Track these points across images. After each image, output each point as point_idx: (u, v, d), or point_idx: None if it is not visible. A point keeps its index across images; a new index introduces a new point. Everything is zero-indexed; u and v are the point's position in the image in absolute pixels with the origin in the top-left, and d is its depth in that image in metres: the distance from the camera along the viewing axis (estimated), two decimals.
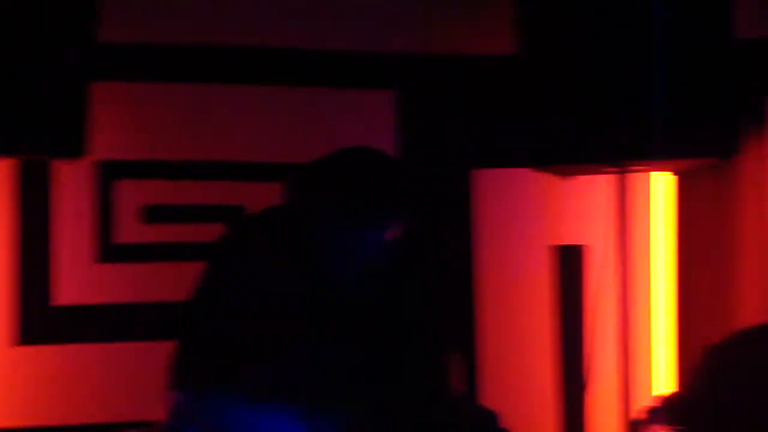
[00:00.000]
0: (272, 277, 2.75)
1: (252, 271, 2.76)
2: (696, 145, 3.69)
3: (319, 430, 2.52)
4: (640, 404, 3.69)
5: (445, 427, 2.50)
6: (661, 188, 4.48)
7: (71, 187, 4.14)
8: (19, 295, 4.10)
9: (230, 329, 2.71)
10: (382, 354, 2.75)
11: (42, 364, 4.11)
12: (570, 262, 4.24)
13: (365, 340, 2.77)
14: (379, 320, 2.78)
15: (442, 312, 2.95)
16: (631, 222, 3.91)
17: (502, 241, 4.45)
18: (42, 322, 4.12)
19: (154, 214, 4.24)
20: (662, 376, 4.46)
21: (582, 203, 4.46)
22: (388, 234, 2.66)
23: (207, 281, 2.81)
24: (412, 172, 2.92)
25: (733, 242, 4.12)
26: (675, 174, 4.42)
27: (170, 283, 4.20)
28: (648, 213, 4.48)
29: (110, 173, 4.18)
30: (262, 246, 2.79)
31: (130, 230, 4.21)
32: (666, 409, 3.52)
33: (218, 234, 4.15)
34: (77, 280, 4.16)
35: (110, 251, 4.20)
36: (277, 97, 4.34)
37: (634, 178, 3.94)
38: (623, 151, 3.73)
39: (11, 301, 4.08)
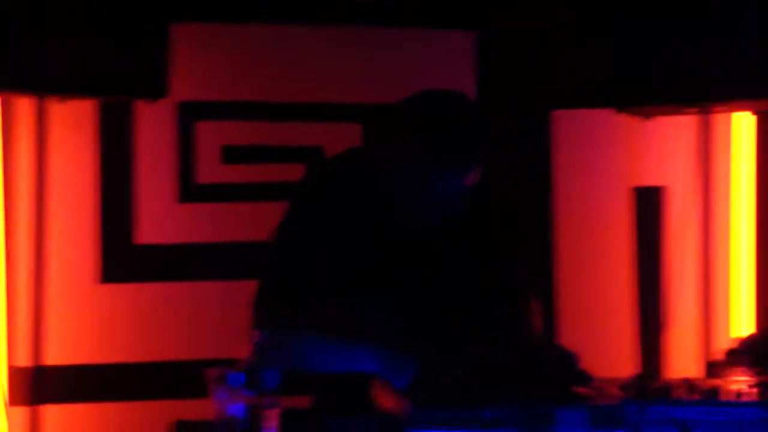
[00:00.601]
0: (351, 221, 2.76)
1: (332, 214, 2.78)
2: None
3: (397, 369, 2.54)
4: (719, 346, 3.68)
5: (526, 367, 2.51)
6: (743, 129, 4.43)
7: (153, 128, 4.20)
8: (103, 234, 4.17)
9: (310, 270, 2.74)
10: (462, 296, 2.76)
11: (124, 302, 4.19)
12: (650, 204, 4.21)
13: (444, 282, 2.78)
14: (457, 264, 2.79)
15: (522, 255, 2.94)
16: (712, 163, 3.87)
17: (582, 183, 4.43)
18: (125, 260, 4.20)
19: (234, 154, 4.28)
20: (742, 318, 4.43)
21: (663, 144, 4.41)
22: (469, 179, 2.65)
23: (289, 223, 2.83)
24: (492, 115, 2.89)
25: None
26: (756, 114, 4.36)
27: (250, 223, 4.26)
28: (729, 154, 4.43)
29: (191, 114, 4.22)
30: (343, 190, 2.80)
31: (210, 170, 4.26)
32: (745, 351, 3.50)
33: (299, 175, 4.25)
34: (159, 219, 4.23)
35: (191, 191, 4.25)
36: (357, 38, 4.35)
37: (716, 118, 3.89)
38: (705, 91, 3.69)
39: (95, 240, 4.16)
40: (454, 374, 2.39)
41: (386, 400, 2.47)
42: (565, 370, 2.45)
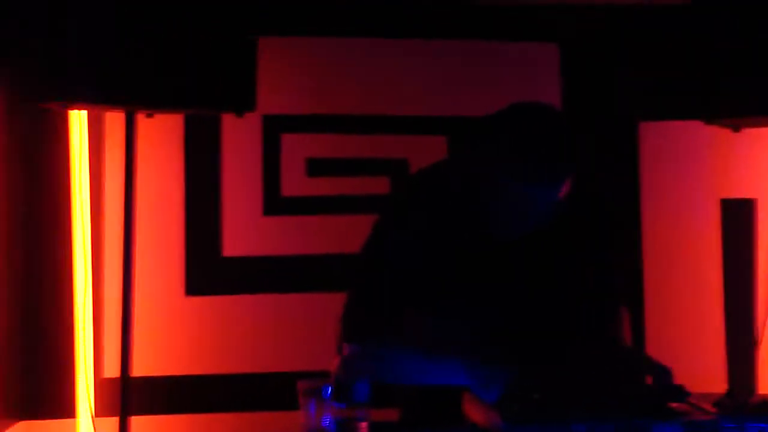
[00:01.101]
0: (440, 234, 2.75)
1: (421, 227, 2.77)
2: None
3: (487, 382, 2.52)
4: None
5: (620, 381, 2.48)
6: None
7: (238, 141, 4.23)
8: (190, 246, 4.21)
9: (397, 284, 2.73)
10: (554, 306, 2.74)
11: (211, 314, 4.22)
12: (741, 216, 4.13)
13: (535, 293, 2.76)
14: (548, 274, 2.77)
15: (613, 265, 2.91)
16: None
17: (670, 195, 4.38)
18: (211, 273, 4.23)
19: (318, 167, 4.30)
20: None
21: (753, 156, 4.36)
22: (561, 192, 2.63)
23: (377, 237, 2.83)
24: (580, 128, 2.87)
25: None
26: None
27: (334, 236, 4.27)
28: None
29: (276, 127, 4.25)
30: (431, 203, 2.80)
31: (295, 183, 4.28)
32: None
33: (384, 187, 4.26)
34: (245, 232, 4.25)
35: (276, 204, 4.27)
36: (442, 51, 4.34)
37: None
38: None
39: (182, 253, 4.20)
40: (546, 388, 2.37)
41: (476, 413, 2.46)
42: (660, 385, 2.42)
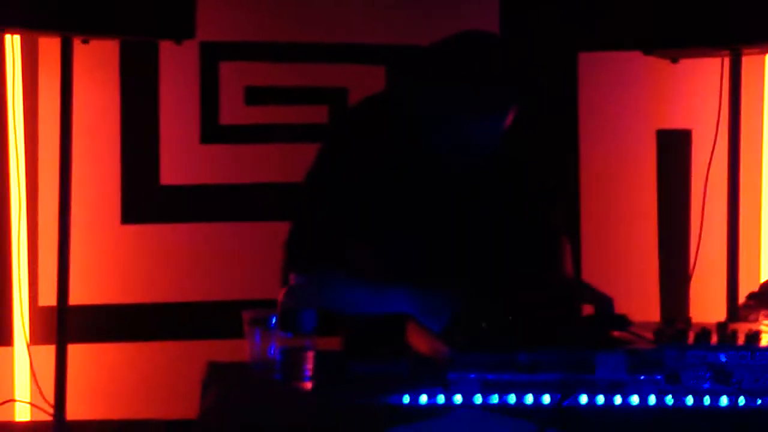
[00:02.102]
0: (382, 164, 2.75)
1: (362, 157, 2.76)
2: None
3: (433, 311, 2.53)
4: (747, 290, 3.67)
5: (563, 311, 2.50)
6: None
7: (176, 68, 4.18)
8: (126, 174, 4.17)
9: (343, 213, 2.73)
10: (495, 235, 2.75)
11: (147, 243, 4.20)
12: (677, 146, 4.18)
13: (476, 221, 2.77)
14: (489, 206, 2.78)
15: (553, 197, 2.92)
16: (741, 106, 3.84)
17: (608, 125, 4.40)
18: (149, 201, 4.19)
19: (257, 95, 4.26)
20: None
21: (691, 87, 4.39)
22: (508, 120, 2.63)
23: (320, 166, 2.81)
24: (525, 57, 2.86)
25: None
26: None
27: (273, 165, 4.25)
28: (761, 97, 4.40)
29: (214, 54, 4.20)
30: (372, 133, 2.79)
31: (234, 111, 4.24)
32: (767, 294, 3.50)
33: (323, 116, 4.24)
34: (182, 160, 4.22)
35: (215, 132, 4.24)
36: None
37: (747, 60, 3.85)
38: (735, 33, 3.66)
39: (120, 181, 4.16)
40: (492, 318, 2.39)
41: (421, 342, 2.47)
42: (602, 314, 2.44)
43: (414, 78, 2.74)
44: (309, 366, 2.37)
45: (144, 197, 4.19)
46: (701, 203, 4.14)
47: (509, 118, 2.63)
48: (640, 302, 4.17)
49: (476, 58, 2.62)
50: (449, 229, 2.76)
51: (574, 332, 2.37)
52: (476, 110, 2.59)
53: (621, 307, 2.90)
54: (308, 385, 2.35)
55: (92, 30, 3.58)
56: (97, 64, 4.07)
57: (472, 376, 2.21)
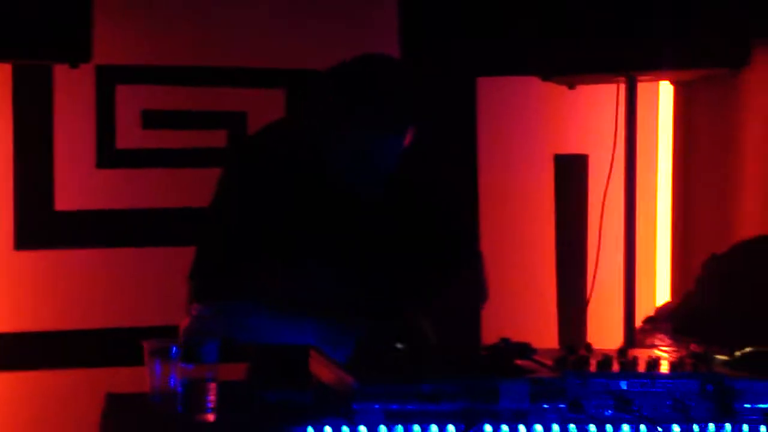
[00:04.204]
0: (285, 192, 2.75)
1: (266, 184, 2.75)
2: (705, 55, 3.66)
3: (336, 341, 2.53)
4: (643, 315, 3.72)
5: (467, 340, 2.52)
6: (668, 98, 4.48)
7: (71, 91, 4.10)
8: (19, 200, 4.08)
9: (247, 242, 2.71)
10: (398, 263, 2.75)
11: (42, 269, 4.11)
12: (573, 172, 4.22)
13: (379, 250, 2.77)
14: (394, 229, 2.79)
15: (454, 221, 2.94)
16: (637, 131, 3.89)
17: (506, 149, 4.44)
18: (43, 226, 4.11)
19: (154, 119, 4.20)
20: (665, 288, 4.49)
21: (588, 113, 4.44)
22: (405, 140, 2.66)
23: (223, 194, 2.80)
24: (422, 79, 2.89)
25: (737, 154, 4.12)
26: (676, 84, 4.41)
27: (170, 190, 4.21)
28: (654, 123, 4.48)
29: (111, 78, 4.14)
30: (274, 160, 2.79)
31: (131, 136, 4.18)
32: (668, 318, 3.55)
33: (220, 141, 4.21)
34: (77, 185, 4.14)
35: (110, 156, 4.17)
36: (282, 2, 4.29)
37: (641, 87, 3.91)
38: (629, 61, 3.71)
39: (13, 206, 4.07)
40: (396, 347, 2.38)
41: (325, 372, 2.45)
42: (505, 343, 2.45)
43: (314, 98, 2.74)
44: (212, 397, 2.34)
45: (38, 222, 4.10)
46: (598, 227, 4.19)
47: (407, 138, 2.65)
48: (539, 327, 4.20)
49: (375, 77, 2.67)
50: (352, 254, 2.76)
51: (478, 361, 2.37)
52: (376, 130, 2.62)
53: (521, 332, 2.92)
54: (211, 417, 2.32)
55: None
56: None
57: (377, 406, 2.19)
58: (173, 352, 2.43)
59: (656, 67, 3.71)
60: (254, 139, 3.02)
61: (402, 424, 2.19)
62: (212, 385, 2.33)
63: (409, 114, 2.67)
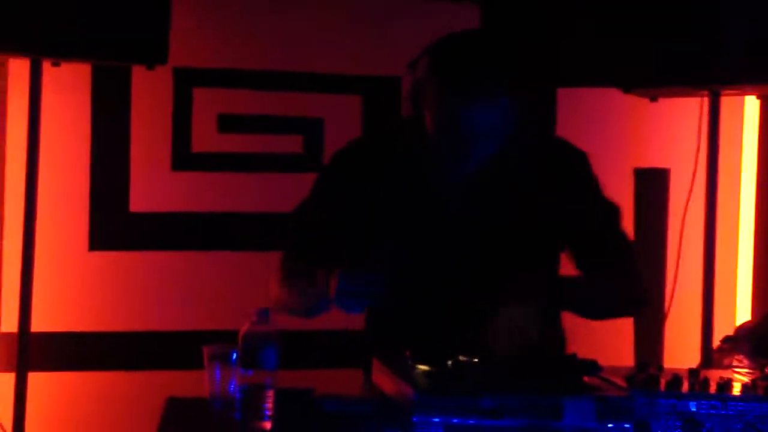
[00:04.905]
0: (379, 195, 2.74)
1: (357, 188, 2.76)
2: None
3: (350, 291, 2.51)
4: (722, 333, 3.62)
5: (534, 355, 2.45)
6: (753, 112, 4.38)
7: (149, 93, 4.12)
8: (95, 201, 4.11)
9: (334, 242, 2.73)
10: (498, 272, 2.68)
11: (116, 270, 4.13)
12: (654, 186, 4.14)
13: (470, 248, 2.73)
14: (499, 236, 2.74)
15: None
16: (719, 147, 3.81)
17: None
18: (118, 228, 4.13)
19: (230, 123, 4.21)
20: (745, 306, 4.39)
21: (669, 126, 4.36)
22: (498, 113, 2.57)
23: (314, 197, 2.82)
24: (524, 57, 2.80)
25: None
26: (762, 99, 4.30)
27: (244, 194, 4.21)
28: (739, 138, 4.39)
29: (188, 81, 4.15)
30: (371, 156, 2.79)
31: (207, 139, 4.19)
32: (748, 338, 3.46)
33: (296, 146, 4.20)
34: (153, 187, 4.16)
35: (186, 159, 4.18)
36: (360, 8, 4.27)
37: (726, 101, 3.82)
38: (714, 74, 3.63)
39: (89, 207, 4.09)
40: (460, 358, 2.33)
41: (386, 383, 2.41)
42: (572, 359, 2.38)
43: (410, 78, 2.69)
44: (269, 405, 2.31)
45: (113, 224, 4.12)
46: (678, 243, 4.10)
47: (500, 111, 2.57)
48: (616, 343, 4.12)
49: (461, 43, 2.62)
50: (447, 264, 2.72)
51: (543, 376, 2.31)
52: (457, 91, 2.54)
53: (595, 348, 2.86)
54: (267, 425, 2.29)
55: (62, 53, 3.52)
56: (68, 87, 4.01)
57: (437, 419, 2.15)
58: (233, 357, 2.40)
59: (740, 81, 3.62)
60: (358, 138, 3.00)
61: None
62: (270, 392, 2.30)
63: (490, 80, 2.57)
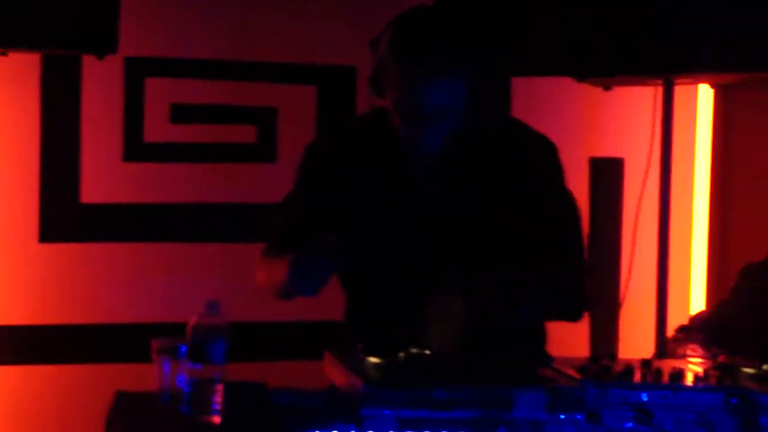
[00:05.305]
0: (355, 182, 2.74)
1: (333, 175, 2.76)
2: (747, 57, 3.57)
3: (303, 272, 2.52)
4: (676, 323, 3.63)
5: (485, 347, 2.44)
6: (707, 101, 4.38)
7: (99, 83, 4.07)
8: (45, 192, 4.05)
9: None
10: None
11: (66, 262, 4.08)
12: (609, 175, 4.14)
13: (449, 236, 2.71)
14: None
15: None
16: (673, 136, 3.81)
17: None
18: (69, 219, 4.07)
19: (183, 113, 4.16)
20: (700, 295, 4.40)
21: (623, 115, 4.36)
22: (456, 83, 2.57)
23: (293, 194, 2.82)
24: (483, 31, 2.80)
25: None
26: (716, 87, 4.31)
27: (197, 185, 4.17)
28: (693, 127, 4.39)
29: (139, 70, 4.10)
30: (341, 142, 2.81)
31: (159, 129, 4.14)
32: (702, 327, 3.46)
33: (249, 136, 4.17)
34: (104, 178, 4.11)
35: (139, 150, 4.13)
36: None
37: (679, 90, 3.82)
38: (667, 63, 3.63)
39: (39, 198, 4.04)
40: (410, 350, 2.32)
41: (336, 374, 2.39)
42: (525, 349, 2.38)
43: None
44: (218, 399, 2.28)
45: (63, 215, 4.06)
46: (632, 232, 4.10)
47: (458, 80, 2.57)
48: (571, 332, 4.11)
49: (419, 16, 2.64)
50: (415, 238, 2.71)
51: (495, 368, 2.30)
52: (415, 63, 2.54)
53: (551, 338, 2.85)
54: (216, 419, 2.26)
55: (10, 42, 3.46)
56: (17, 77, 3.95)
57: (387, 412, 2.13)
58: (182, 351, 2.37)
59: (694, 69, 3.62)
60: (330, 130, 3.00)
61: (413, 431, 2.13)
62: (219, 387, 2.27)
63: (458, 54, 2.57)
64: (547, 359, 2.33)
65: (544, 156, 2.80)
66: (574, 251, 2.76)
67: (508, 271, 2.65)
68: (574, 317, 2.77)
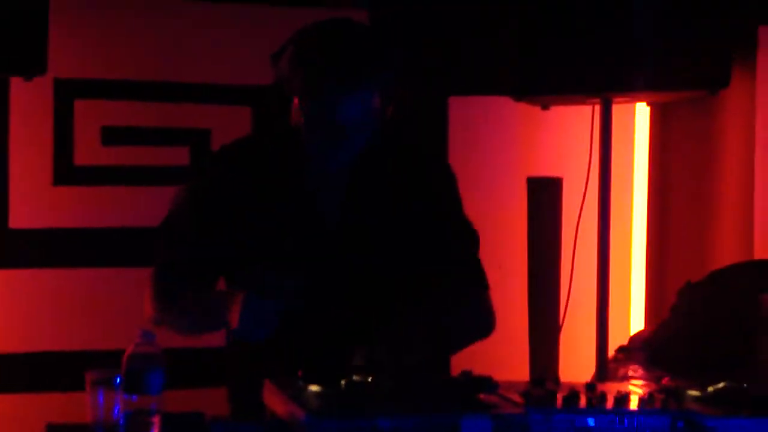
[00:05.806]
0: (246, 196, 2.72)
1: (223, 189, 2.74)
2: (684, 77, 3.58)
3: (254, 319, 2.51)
4: (617, 342, 3.61)
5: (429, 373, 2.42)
6: (644, 120, 4.39)
7: (28, 105, 3.98)
8: None
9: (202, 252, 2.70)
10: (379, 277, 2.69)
11: None
12: (547, 195, 4.12)
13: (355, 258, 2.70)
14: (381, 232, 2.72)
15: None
16: (611, 154, 3.80)
17: (477, 171, 4.33)
18: None
19: (115, 135, 4.09)
20: (639, 315, 4.39)
21: (561, 134, 4.35)
22: (363, 101, 2.58)
23: (181, 205, 2.79)
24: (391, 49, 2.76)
25: (714, 178, 4.03)
26: (653, 106, 4.32)
27: (129, 208, 4.11)
28: (631, 145, 4.39)
29: (70, 92, 4.02)
30: (238, 162, 2.79)
31: (89, 152, 4.06)
32: (642, 347, 3.45)
33: (183, 158, 4.11)
34: (33, 202, 4.02)
35: (69, 173, 4.05)
36: (250, 19, 4.17)
37: (617, 109, 3.82)
38: (604, 82, 3.63)
39: None
40: (352, 377, 2.26)
41: (277, 404, 2.32)
42: (467, 376, 2.33)
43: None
44: (155, 430, 2.22)
45: None
46: (572, 252, 4.09)
47: (363, 98, 2.57)
48: (511, 354, 4.09)
49: (322, 33, 2.61)
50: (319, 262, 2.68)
51: (439, 394, 2.26)
52: (319, 81, 2.54)
53: (489, 360, 2.82)
54: None
55: None
56: None
57: None
58: (116, 381, 2.30)
59: (632, 88, 3.63)
60: (225, 146, 2.93)
61: None
62: (155, 418, 2.21)
63: (361, 73, 2.55)
64: (491, 385, 2.28)
65: (443, 182, 2.85)
66: (474, 267, 2.84)
67: (412, 309, 2.67)
68: (486, 333, 2.85)
